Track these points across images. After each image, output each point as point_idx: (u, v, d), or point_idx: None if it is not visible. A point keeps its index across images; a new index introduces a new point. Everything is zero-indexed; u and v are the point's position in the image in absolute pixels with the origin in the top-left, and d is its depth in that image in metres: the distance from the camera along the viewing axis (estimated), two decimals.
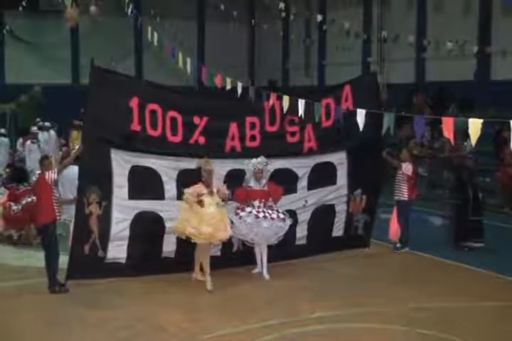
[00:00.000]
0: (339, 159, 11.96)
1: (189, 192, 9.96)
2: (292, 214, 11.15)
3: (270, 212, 10.51)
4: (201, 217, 9.84)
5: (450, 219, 13.61)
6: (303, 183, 11.58)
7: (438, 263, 11.85)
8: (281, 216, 10.61)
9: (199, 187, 10.00)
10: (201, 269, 10.26)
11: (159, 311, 9.09)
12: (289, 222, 10.76)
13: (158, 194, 10.51)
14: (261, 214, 10.41)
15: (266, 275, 10.66)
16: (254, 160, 10.61)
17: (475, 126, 7.06)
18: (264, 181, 10.67)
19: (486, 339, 8.08)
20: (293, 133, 11.41)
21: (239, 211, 10.52)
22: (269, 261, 10.76)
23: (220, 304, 9.47)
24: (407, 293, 9.91)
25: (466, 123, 7.13)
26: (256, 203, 10.51)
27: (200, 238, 9.89)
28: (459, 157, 14.94)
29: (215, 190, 10.06)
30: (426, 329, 8.37)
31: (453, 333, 8.20)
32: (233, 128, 10.90)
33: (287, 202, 11.24)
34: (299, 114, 9.46)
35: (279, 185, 10.87)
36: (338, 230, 12.18)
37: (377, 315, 8.94)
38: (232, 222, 10.34)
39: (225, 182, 10.46)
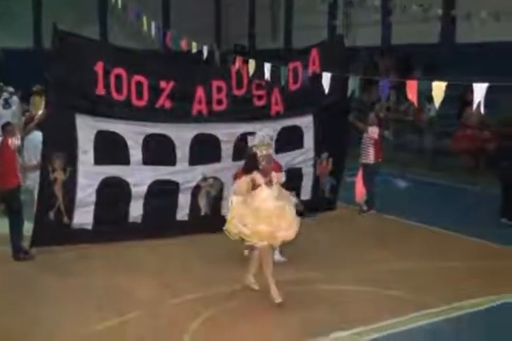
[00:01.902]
0: (306, 123, 11.97)
1: (245, 180, 8.18)
2: None
3: None
4: (257, 213, 8.04)
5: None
6: None
7: (404, 225, 11.99)
8: None
9: (255, 176, 8.15)
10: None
11: (127, 277, 9.05)
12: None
13: (124, 159, 10.43)
14: None
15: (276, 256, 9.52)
16: (259, 133, 9.25)
17: (439, 88, 7.08)
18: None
19: (452, 299, 8.19)
20: (260, 97, 11.37)
21: None
22: None
23: (190, 269, 9.44)
24: (377, 256, 10.05)
25: (430, 86, 7.14)
26: None
27: (257, 239, 8.11)
28: None
29: (274, 180, 8.30)
30: (395, 290, 8.51)
31: (420, 293, 8.37)
32: (200, 92, 10.81)
33: None
34: (266, 78, 9.38)
35: (280, 166, 10.33)
36: (305, 193, 12.24)
37: (348, 277, 9.08)
38: None
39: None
